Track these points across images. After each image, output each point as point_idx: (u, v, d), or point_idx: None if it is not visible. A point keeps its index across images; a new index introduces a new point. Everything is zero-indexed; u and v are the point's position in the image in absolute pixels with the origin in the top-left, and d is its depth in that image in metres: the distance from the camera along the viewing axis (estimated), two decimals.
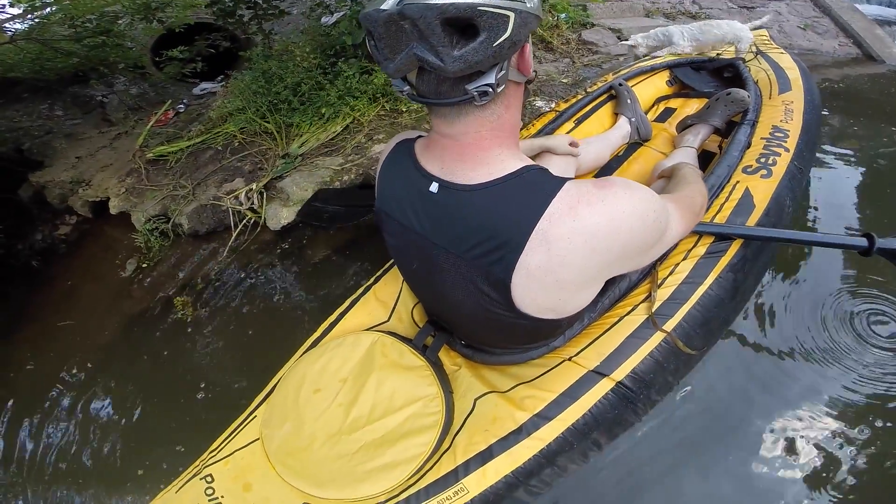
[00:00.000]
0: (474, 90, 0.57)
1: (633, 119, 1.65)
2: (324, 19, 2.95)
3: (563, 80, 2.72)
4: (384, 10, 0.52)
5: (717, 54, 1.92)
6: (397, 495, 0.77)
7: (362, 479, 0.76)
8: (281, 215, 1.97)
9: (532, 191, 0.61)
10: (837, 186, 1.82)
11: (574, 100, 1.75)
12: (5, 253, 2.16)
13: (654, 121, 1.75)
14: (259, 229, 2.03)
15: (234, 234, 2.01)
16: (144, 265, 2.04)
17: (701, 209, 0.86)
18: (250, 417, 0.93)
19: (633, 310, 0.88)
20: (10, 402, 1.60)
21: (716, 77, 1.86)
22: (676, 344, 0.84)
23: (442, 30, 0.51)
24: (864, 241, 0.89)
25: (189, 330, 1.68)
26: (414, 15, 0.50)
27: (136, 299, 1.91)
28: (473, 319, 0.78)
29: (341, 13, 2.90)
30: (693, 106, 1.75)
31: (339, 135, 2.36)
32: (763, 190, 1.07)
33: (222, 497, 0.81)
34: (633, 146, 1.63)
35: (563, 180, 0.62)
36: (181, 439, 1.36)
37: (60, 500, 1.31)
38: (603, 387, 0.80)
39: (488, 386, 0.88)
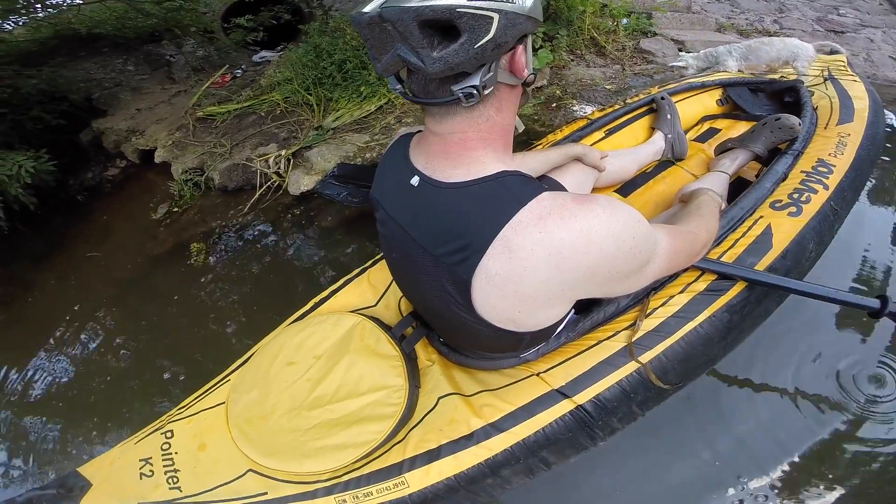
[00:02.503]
0: (459, 91, 0.55)
1: (669, 135, 1.52)
2: None
3: (607, 87, 2.58)
4: (366, 13, 0.52)
5: (781, 76, 1.73)
6: (339, 476, 0.77)
7: (309, 455, 0.77)
8: (302, 182, 2.05)
9: (503, 196, 0.59)
10: (873, 237, 1.57)
11: (610, 109, 1.64)
12: (57, 186, 2.34)
13: (694, 140, 1.61)
14: (280, 192, 2.11)
15: (258, 194, 2.11)
16: (175, 210, 2.18)
17: (702, 248, 0.80)
18: (224, 381, 0.96)
19: (613, 335, 0.83)
20: (19, 327, 1.74)
21: (774, 101, 1.68)
22: (649, 377, 0.79)
23: (420, 32, 0.50)
24: (875, 303, 0.82)
25: (202, 279, 1.78)
26: (392, 18, 0.50)
27: (159, 241, 2.05)
28: (441, 318, 0.77)
29: None
30: (740, 129, 1.61)
31: (371, 114, 2.37)
32: (786, 230, 0.96)
33: (175, 454, 0.84)
34: (664, 164, 1.52)
35: (539, 189, 0.59)
36: (167, 388, 1.42)
37: (32, 430, 1.40)
38: (562, 408, 0.77)
39: (454, 387, 0.87)
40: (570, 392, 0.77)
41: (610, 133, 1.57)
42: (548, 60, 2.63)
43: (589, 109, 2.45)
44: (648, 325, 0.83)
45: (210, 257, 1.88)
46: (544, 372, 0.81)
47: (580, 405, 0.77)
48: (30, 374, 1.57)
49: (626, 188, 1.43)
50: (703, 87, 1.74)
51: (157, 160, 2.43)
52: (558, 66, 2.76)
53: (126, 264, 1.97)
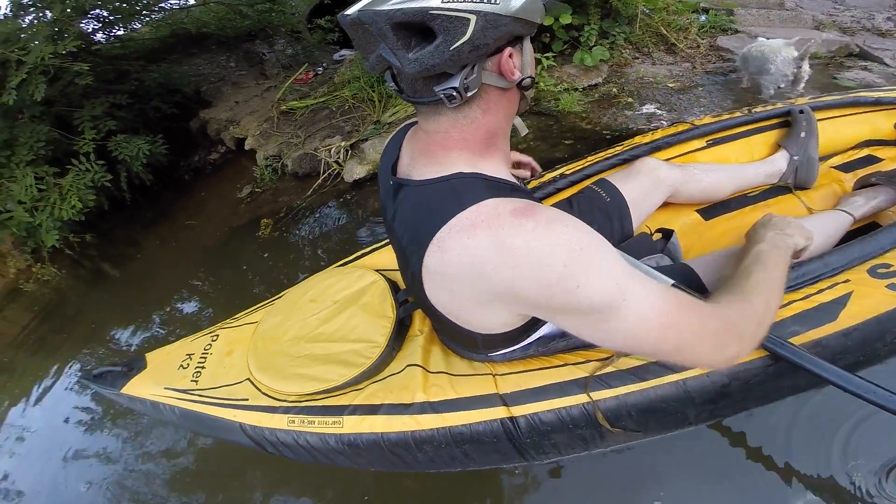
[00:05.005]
0: (440, 92, 0.59)
1: (796, 157, 1.26)
2: None
3: (670, 85, 2.47)
4: (348, 16, 0.58)
5: None
6: (301, 402, 0.96)
7: (287, 378, 0.97)
8: (355, 171, 2.45)
9: (449, 197, 0.64)
10: None
11: (727, 116, 1.41)
12: (169, 167, 3.19)
13: (837, 167, 1.32)
14: (339, 180, 2.57)
15: (320, 180, 2.57)
16: (256, 190, 2.80)
17: (758, 327, 0.63)
18: (272, 302, 1.20)
19: (583, 363, 0.84)
20: (129, 283, 2.33)
21: None
22: (596, 415, 0.81)
23: (394, 34, 0.55)
24: None
25: (265, 254, 2.32)
26: (367, 21, 0.55)
27: (240, 215, 2.69)
28: (417, 301, 0.90)
29: None
30: None
31: None
32: (872, 305, 0.78)
33: (210, 354, 1.09)
34: (777, 189, 1.28)
35: (485, 194, 0.61)
36: None
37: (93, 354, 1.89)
38: (494, 412, 0.84)
39: (424, 361, 0.98)
40: (510, 401, 0.83)
41: (714, 143, 1.36)
42: (602, 58, 2.50)
43: (646, 108, 2.27)
44: (626, 363, 0.80)
45: (275, 231, 2.37)
46: (501, 375, 0.88)
47: (513, 417, 0.82)
48: (130, 319, 2.13)
49: (712, 209, 1.24)
50: (878, 104, 1.35)
51: (246, 147, 3.03)
52: (619, 63, 2.60)
53: (214, 233, 2.73)
